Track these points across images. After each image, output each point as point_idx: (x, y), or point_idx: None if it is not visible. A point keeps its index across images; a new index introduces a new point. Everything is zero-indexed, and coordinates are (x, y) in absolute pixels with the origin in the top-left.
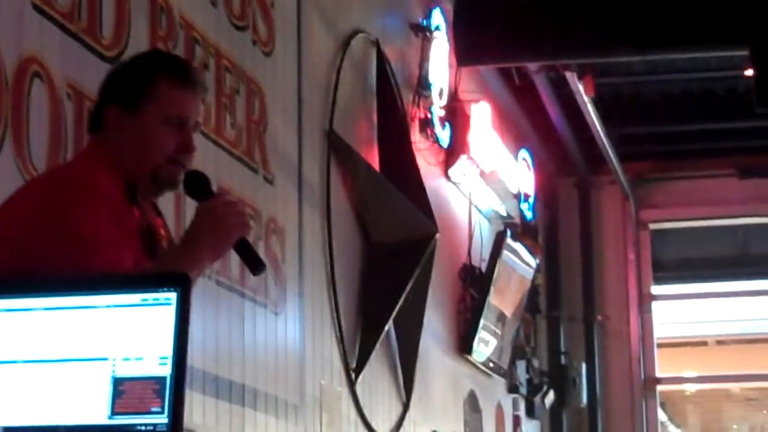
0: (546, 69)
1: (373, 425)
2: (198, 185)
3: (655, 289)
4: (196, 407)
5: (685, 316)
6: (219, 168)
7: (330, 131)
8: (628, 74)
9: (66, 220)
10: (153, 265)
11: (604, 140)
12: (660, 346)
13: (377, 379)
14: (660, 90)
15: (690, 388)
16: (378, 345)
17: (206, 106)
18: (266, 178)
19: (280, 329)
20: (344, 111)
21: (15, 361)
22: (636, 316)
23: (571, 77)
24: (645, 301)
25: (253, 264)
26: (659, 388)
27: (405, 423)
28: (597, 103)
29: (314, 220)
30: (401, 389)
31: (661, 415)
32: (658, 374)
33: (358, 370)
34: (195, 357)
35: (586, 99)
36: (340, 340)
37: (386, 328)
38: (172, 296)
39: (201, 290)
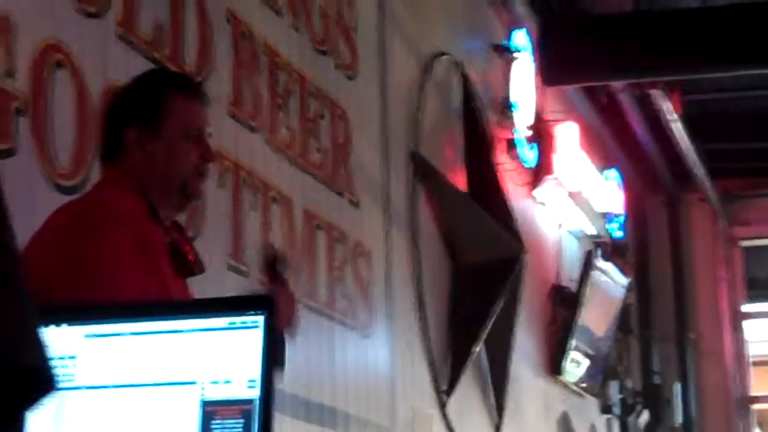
0: (632, 87)
1: None
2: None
3: (749, 307)
4: (287, 431)
5: None
6: (305, 192)
7: (415, 154)
8: (716, 90)
9: (87, 251)
10: None
11: (693, 157)
12: (755, 364)
13: (468, 401)
14: (749, 105)
15: None
16: (468, 367)
17: (291, 131)
18: (352, 202)
19: (370, 352)
20: (429, 133)
21: (105, 386)
22: (729, 334)
23: (656, 94)
24: (738, 318)
25: (279, 360)
26: (755, 406)
27: None
28: (685, 119)
29: (401, 243)
30: (493, 411)
31: None
32: (753, 393)
33: (449, 392)
34: (285, 381)
35: (673, 116)
36: (431, 362)
37: (476, 349)
38: (260, 319)
39: None
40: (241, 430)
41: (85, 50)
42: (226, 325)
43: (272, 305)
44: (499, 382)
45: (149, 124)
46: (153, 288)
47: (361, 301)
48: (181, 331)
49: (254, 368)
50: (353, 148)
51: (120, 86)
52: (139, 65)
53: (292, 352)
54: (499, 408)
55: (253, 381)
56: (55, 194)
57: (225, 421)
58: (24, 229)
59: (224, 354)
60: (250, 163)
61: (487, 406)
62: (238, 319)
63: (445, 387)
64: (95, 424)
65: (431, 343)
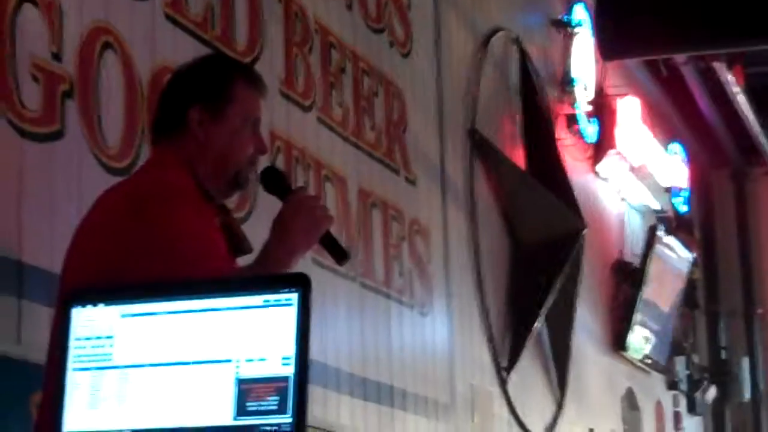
0: (694, 60)
1: (527, 424)
2: (278, 181)
3: None
4: (344, 409)
5: None
6: (359, 170)
7: (472, 130)
8: None
9: (159, 227)
10: (256, 264)
11: (758, 130)
12: None
13: (530, 378)
14: None
15: None
16: (529, 343)
17: (344, 109)
18: (408, 179)
19: (428, 330)
20: (486, 110)
21: (141, 365)
22: None
23: (719, 67)
24: None
25: (339, 254)
26: None
27: (559, 422)
28: (750, 92)
29: (459, 220)
30: (555, 388)
31: None
32: None
33: (510, 369)
34: (341, 359)
35: (737, 89)
36: (490, 340)
37: (537, 326)
38: (294, 297)
39: (346, 293)
40: (276, 407)
41: (134, 32)
42: (261, 303)
43: (307, 283)
44: (561, 358)
45: (214, 106)
46: (221, 261)
47: (418, 279)
48: (216, 310)
49: (289, 345)
50: (409, 126)
51: (184, 64)
52: (188, 46)
53: (347, 330)
54: (561, 384)
55: (288, 358)
56: (105, 175)
57: (260, 398)
58: (72, 212)
59: (259, 332)
60: (303, 141)
61: (549, 382)
62: (272, 297)
63: (505, 364)
64: (132, 403)
65: (491, 321)
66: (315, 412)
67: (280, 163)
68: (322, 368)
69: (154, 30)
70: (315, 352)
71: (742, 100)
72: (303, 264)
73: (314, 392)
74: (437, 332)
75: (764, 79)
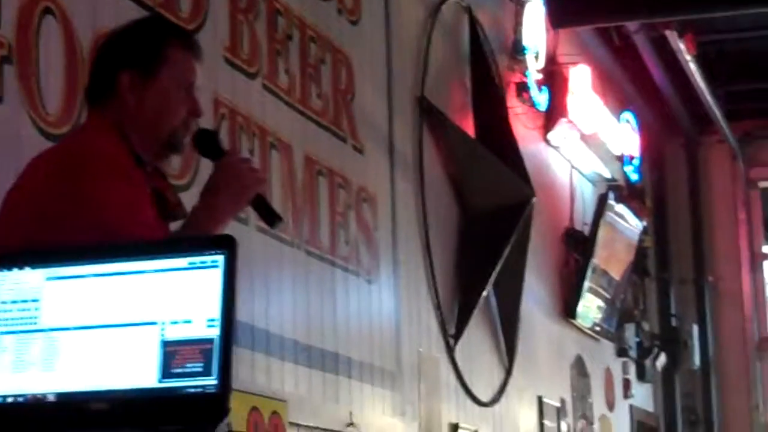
0: (646, 28)
1: (474, 392)
2: (210, 143)
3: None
4: (288, 377)
5: None
6: (306, 138)
7: (422, 98)
8: (733, 30)
9: (85, 191)
10: (183, 228)
11: (710, 99)
12: None
13: (477, 345)
14: (767, 45)
15: None
16: (477, 311)
17: (291, 77)
18: (355, 147)
19: (374, 297)
20: (436, 78)
21: (67, 328)
22: (748, 276)
23: (671, 36)
24: (757, 260)
25: (270, 218)
26: None
27: (508, 389)
28: (702, 61)
29: (407, 188)
30: (503, 355)
31: None
32: None
33: (457, 336)
34: (286, 327)
35: (688, 57)
36: (437, 307)
37: (485, 293)
38: (219, 258)
39: (291, 261)
40: (201, 369)
41: None
42: (186, 265)
43: (232, 244)
44: (510, 326)
45: (146, 69)
46: (144, 229)
47: (365, 247)
48: (142, 272)
49: (214, 307)
50: (357, 94)
51: (116, 28)
52: (130, 12)
53: (291, 297)
54: (510, 352)
55: (213, 320)
56: (44, 142)
57: (185, 361)
58: (11, 178)
59: (184, 294)
60: (248, 109)
61: (497, 350)
62: (197, 259)
63: (452, 332)
64: (57, 366)
65: (438, 288)
66: (259, 380)
67: (224, 131)
68: (266, 336)
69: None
70: (259, 320)
71: (693, 69)
72: (246, 231)
73: (258, 360)
74: (384, 300)
75: (717, 48)
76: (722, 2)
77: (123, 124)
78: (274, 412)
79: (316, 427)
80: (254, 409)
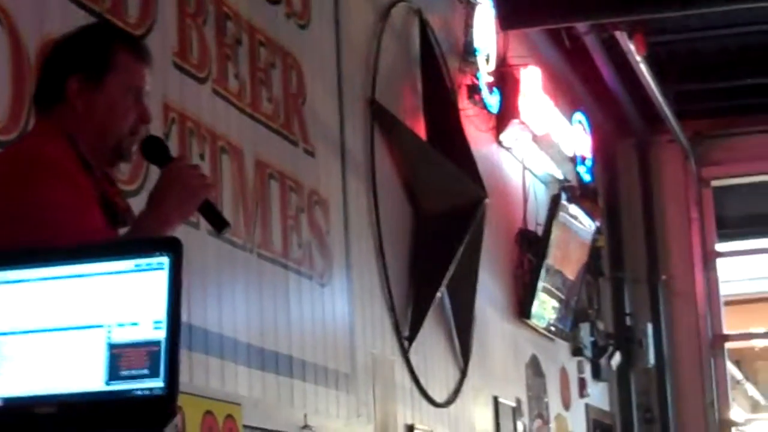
0: (596, 29)
1: (430, 393)
2: (157, 150)
3: (720, 246)
4: (242, 380)
5: (752, 272)
6: (256, 142)
7: (372, 101)
8: (683, 31)
9: (26, 196)
10: (128, 234)
11: (661, 99)
12: (728, 303)
13: (432, 347)
14: (717, 45)
15: (759, 343)
16: (431, 312)
17: (241, 81)
18: (307, 151)
19: (328, 300)
20: (387, 81)
21: (11, 333)
22: (701, 274)
23: (621, 37)
24: (710, 258)
25: (218, 223)
26: (728, 345)
27: (463, 389)
28: (653, 61)
29: (359, 191)
30: (458, 356)
31: (737, 374)
32: (726, 331)
33: (412, 338)
34: (239, 330)
35: (638, 58)
36: (391, 309)
37: (438, 294)
38: (165, 260)
39: (243, 264)
40: (148, 371)
41: (21, 2)
42: (132, 268)
43: (178, 247)
44: (464, 327)
45: (94, 75)
46: (91, 232)
47: (317, 250)
48: (88, 275)
49: (160, 309)
50: (307, 98)
51: (64, 35)
52: (78, 18)
53: (244, 300)
54: (465, 353)
55: (159, 322)
56: None
57: (132, 363)
58: None
59: (130, 296)
60: (197, 113)
61: (452, 351)
62: (143, 261)
63: (407, 333)
64: (3, 370)
65: (392, 290)
66: (213, 383)
67: (174, 136)
68: (219, 339)
69: (42, 1)
70: (212, 324)
71: (644, 69)
72: (198, 235)
73: (212, 363)
74: (337, 302)
75: (667, 48)
76: (672, 2)
77: (71, 130)
78: (229, 416)
79: (271, 430)
80: (208, 412)
